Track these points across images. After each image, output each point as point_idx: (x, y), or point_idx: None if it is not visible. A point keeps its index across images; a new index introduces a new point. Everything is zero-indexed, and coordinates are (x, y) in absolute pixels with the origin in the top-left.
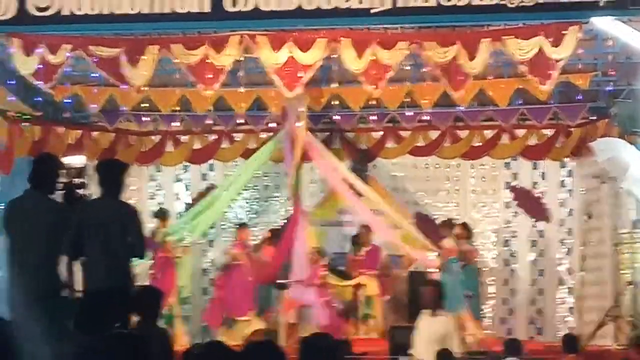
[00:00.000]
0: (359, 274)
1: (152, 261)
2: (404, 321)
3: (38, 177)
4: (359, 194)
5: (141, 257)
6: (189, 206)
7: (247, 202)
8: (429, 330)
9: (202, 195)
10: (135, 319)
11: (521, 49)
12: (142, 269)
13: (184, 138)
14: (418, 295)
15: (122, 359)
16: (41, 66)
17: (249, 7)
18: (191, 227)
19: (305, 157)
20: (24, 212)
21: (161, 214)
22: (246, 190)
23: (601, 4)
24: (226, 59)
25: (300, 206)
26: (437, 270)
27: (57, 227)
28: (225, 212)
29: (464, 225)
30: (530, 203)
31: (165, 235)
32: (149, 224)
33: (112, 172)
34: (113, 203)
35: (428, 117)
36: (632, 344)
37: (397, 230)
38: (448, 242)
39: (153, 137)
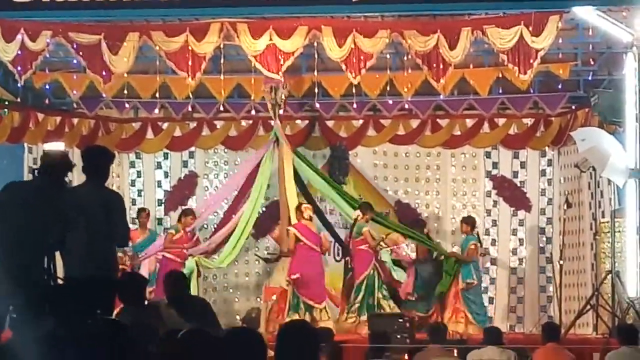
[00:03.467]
0: None
1: None
2: None
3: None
4: None
5: (123, 245)
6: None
7: None
8: None
9: (181, 182)
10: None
11: (502, 38)
12: None
13: (164, 125)
14: None
15: (101, 346)
16: (20, 52)
17: None
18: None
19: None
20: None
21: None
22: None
23: None
24: (207, 46)
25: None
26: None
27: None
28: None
29: (466, 220)
30: (510, 192)
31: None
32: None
33: (98, 160)
34: (97, 189)
35: (408, 106)
36: (612, 332)
37: None
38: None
39: (133, 124)
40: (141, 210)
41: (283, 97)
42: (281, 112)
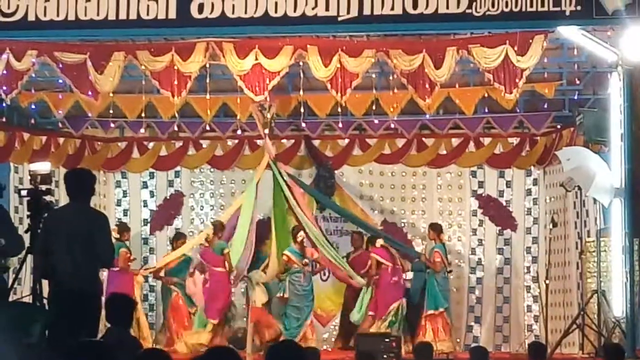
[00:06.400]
0: None
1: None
2: None
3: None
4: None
5: (107, 266)
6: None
7: (212, 209)
8: None
9: (167, 201)
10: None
11: (487, 57)
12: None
13: (150, 145)
14: None
15: None
16: (5, 72)
17: (216, 14)
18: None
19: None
20: None
21: (217, 225)
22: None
23: (567, 13)
24: (192, 65)
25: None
26: None
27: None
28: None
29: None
30: (496, 211)
31: (222, 248)
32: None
33: (80, 182)
34: (82, 210)
35: (394, 125)
36: (598, 352)
37: None
38: None
39: (119, 144)
40: (180, 236)
41: (269, 116)
42: (266, 131)
